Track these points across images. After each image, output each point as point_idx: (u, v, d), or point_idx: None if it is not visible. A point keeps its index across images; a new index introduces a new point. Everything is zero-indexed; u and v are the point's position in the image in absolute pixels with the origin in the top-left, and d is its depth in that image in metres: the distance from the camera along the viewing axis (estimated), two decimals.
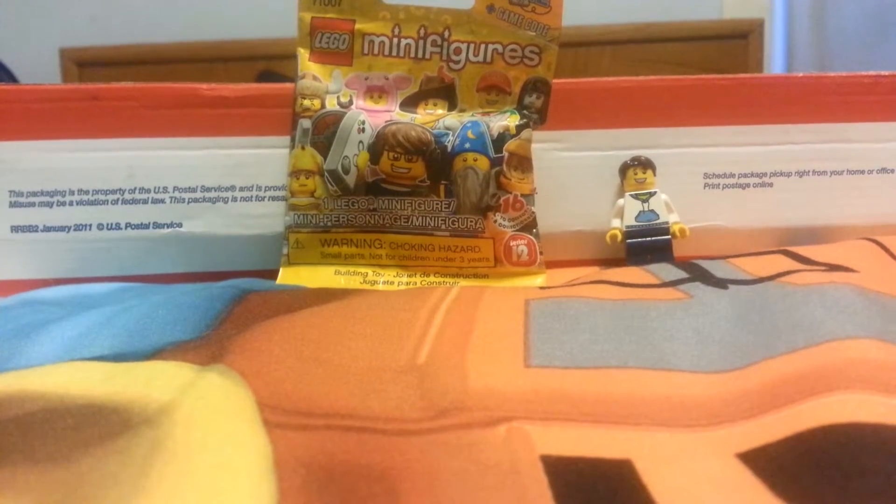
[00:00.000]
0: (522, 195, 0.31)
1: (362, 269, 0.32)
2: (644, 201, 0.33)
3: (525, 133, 0.31)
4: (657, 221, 0.33)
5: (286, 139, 0.33)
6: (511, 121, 0.31)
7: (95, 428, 0.17)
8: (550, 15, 0.30)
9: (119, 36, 1.25)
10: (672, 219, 0.33)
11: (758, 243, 0.34)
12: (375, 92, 0.31)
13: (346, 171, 0.30)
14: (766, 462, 0.15)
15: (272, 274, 0.33)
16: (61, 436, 0.16)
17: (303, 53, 0.32)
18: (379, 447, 0.16)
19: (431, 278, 0.32)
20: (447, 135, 0.30)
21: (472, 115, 0.31)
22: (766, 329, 0.20)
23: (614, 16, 1.05)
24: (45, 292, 0.30)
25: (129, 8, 1.29)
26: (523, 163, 0.31)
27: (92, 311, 0.26)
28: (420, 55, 0.31)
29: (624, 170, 0.33)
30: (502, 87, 0.31)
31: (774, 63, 1.35)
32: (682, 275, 0.27)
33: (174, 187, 0.32)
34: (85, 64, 1.26)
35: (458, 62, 0.31)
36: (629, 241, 0.33)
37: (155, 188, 0.32)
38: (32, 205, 0.32)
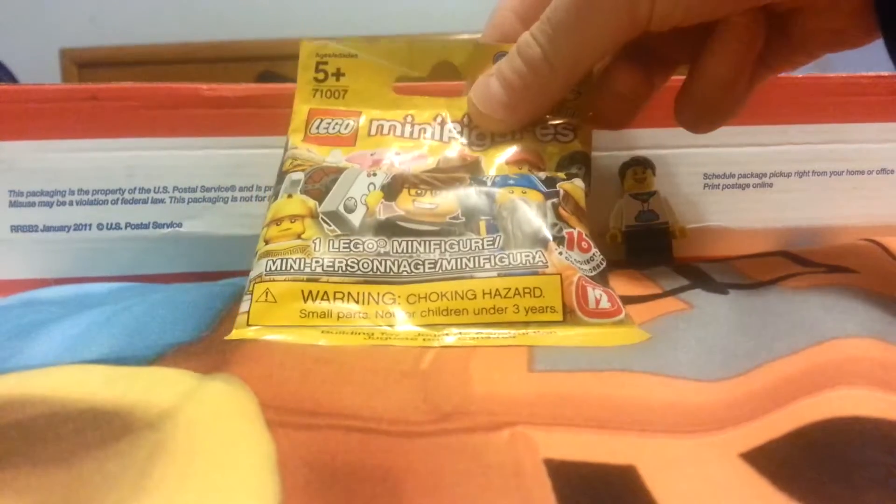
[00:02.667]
0: (588, 236, 0.24)
1: (366, 327, 0.22)
2: (644, 201, 0.33)
3: (577, 181, 0.26)
4: (657, 222, 0.33)
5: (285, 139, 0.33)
6: (559, 175, 0.26)
7: (97, 431, 0.17)
8: (582, 98, 0.27)
9: (119, 36, 1.25)
10: (672, 219, 0.33)
11: (758, 243, 0.34)
12: (384, 162, 0.26)
13: (350, 211, 0.23)
14: (769, 459, 0.15)
15: None
16: (63, 439, 0.16)
17: (295, 137, 0.27)
18: (382, 448, 0.16)
19: (469, 338, 0.22)
20: (484, 179, 0.25)
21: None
22: (768, 333, 0.20)
23: None
24: (45, 292, 0.30)
25: (129, 8, 1.29)
26: (579, 211, 0.25)
27: (92, 310, 0.26)
28: (437, 137, 0.27)
29: (623, 170, 0.33)
30: (535, 163, 0.26)
31: None
32: (683, 281, 0.27)
33: (174, 187, 0.32)
34: (85, 64, 1.26)
35: (481, 145, 0.26)
36: (629, 241, 0.33)
37: (155, 188, 0.32)
38: (32, 205, 0.32)
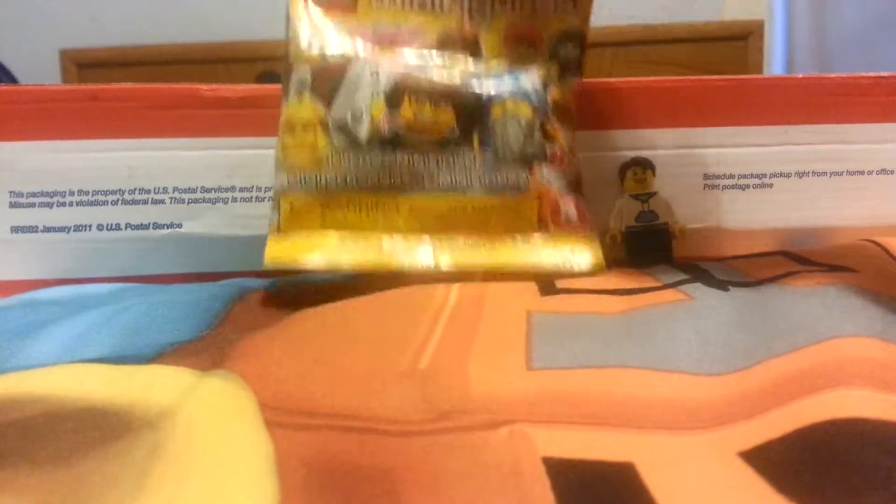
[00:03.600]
0: (570, 148, 0.27)
1: (375, 237, 0.26)
2: (644, 202, 0.33)
3: (568, 83, 0.27)
4: (657, 222, 0.33)
5: None
6: (552, 70, 0.27)
7: (96, 431, 0.17)
8: None
9: (119, 37, 1.25)
10: (671, 220, 0.33)
11: (758, 244, 0.34)
12: (385, 41, 0.26)
13: (357, 121, 0.25)
14: (767, 459, 0.15)
15: (270, 274, 0.33)
16: (62, 439, 0.16)
17: (294, 2, 0.27)
18: (381, 448, 0.16)
19: (461, 245, 0.26)
20: (479, 80, 0.26)
21: (501, 66, 0.27)
22: (768, 330, 0.20)
23: (614, 17, 1.05)
24: (45, 293, 0.30)
25: (129, 9, 1.29)
26: (566, 116, 0.27)
27: (92, 310, 0.26)
28: (436, 7, 0.26)
29: (623, 170, 0.33)
30: (533, 40, 0.27)
31: (774, 64, 1.35)
32: (683, 276, 0.27)
33: (174, 188, 0.32)
34: (85, 65, 1.26)
35: (480, 11, 0.26)
36: (629, 242, 0.33)
37: (155, 189, 0.32)
38: (32, 205, 0.32)
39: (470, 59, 0.26)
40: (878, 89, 0.34)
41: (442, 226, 0.26)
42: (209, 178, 0.32)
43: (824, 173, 0.34)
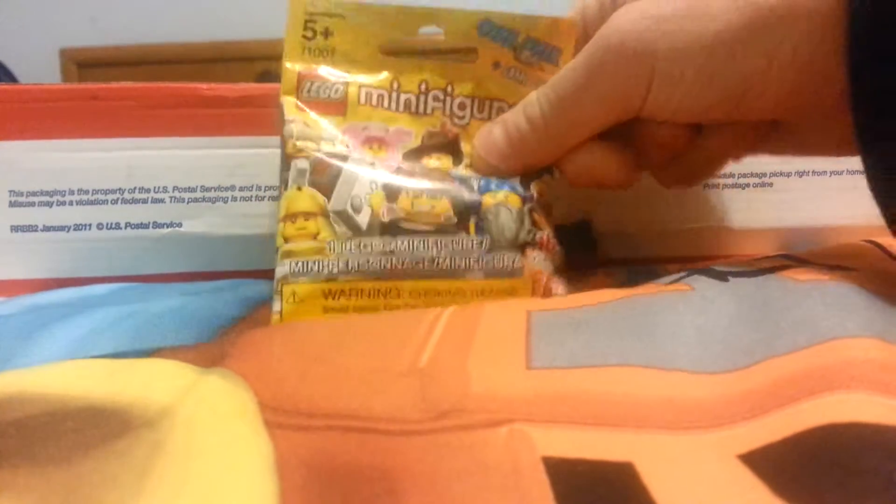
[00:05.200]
0: (552, 234, 0.28)
1: None
2: None
3: (546, 176, 0.29)
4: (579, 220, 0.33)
5: None
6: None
7: (96, 430, 0.17)
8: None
9: (119, 36, 1.25)
10: (596, 217, 0.33)
11: (758, 243, 0.34)
12: (375, 142, 0.28)
13: (357, 211, 0.27)
14: (766, 462, 0.15)
15: (270, 274, 0.33)
16: (62, 438, 0.16)
17: (288, 101, 0.28)
18: (380, 448, 0.16)
19: None
20: (468, 178, 0.28)
21: None
22: (768, 327, 0.20)
23: None
24: (46, 296, 0.30)
25: (129, 8, 1.29)
26: (547, 207, 0.29)
27: (94, 312, 0.26)
28: (421, 110, 0.29)
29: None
30: None
31: None
32: (681, 273, 0.27)
33: (174, 187, 0.32)
34: (85, 64, 1.26)
35: (462, 117, 0.29)
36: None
37: (154, 188, 0.32)
38: (32, 205, 0.32)
39: (451, 159, 0.29)
40: None
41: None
42: (209, 177, 0.32)
43: (824, 173, 0.34)
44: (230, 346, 0.21)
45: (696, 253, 0.34)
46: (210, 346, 0.21)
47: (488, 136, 0.28)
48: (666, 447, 0.16)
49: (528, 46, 0.29)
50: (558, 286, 0.28)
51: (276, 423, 0.17)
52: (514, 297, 0.27)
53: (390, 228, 0.26)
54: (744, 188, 0.34)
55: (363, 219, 0.27)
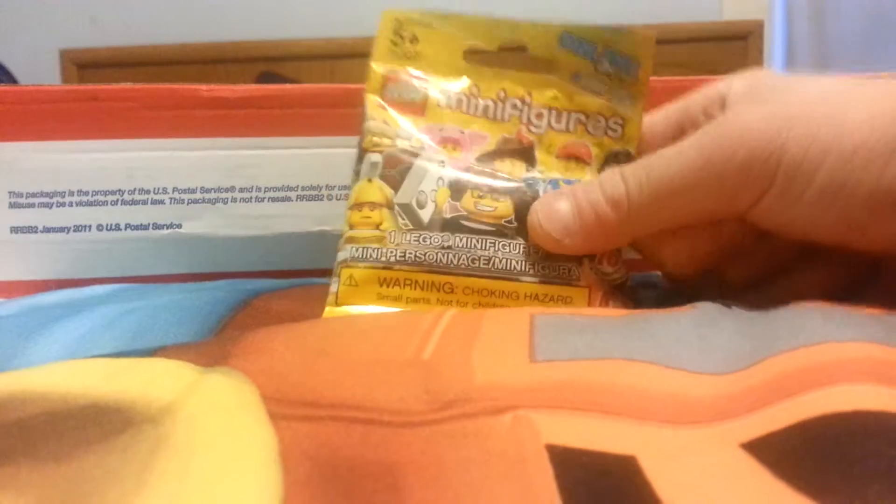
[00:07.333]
0: (618, 251, 0.28)
1: None
2: None
3: None
4: None
5: (286, 140, 0.33)
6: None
7: (98, 428, 0.17)
8: (638, 85, 0.28)
9: (119, 37, 1.25)
10: None
11: None
12: (449, 143, 0.29)
13: (422, 206, 0.27)
14: (769, 449, 0.15)
15: (270, 274, 0.33)
16: (64, 436, 0.16)
17: (371, 99, 0.29)
18: (384, 440, 0.16)
19: None
20: (536, 182, 0.28)
21: (554, 175, 0.29)
22: (768, 335, 0.20)
23: (615, 18, 1.05)
24: (46, 297, 0.30)
25: (129, 9, 1.29)
26: None
27: (94, 311, 0.26)
28: (498, 117, 0.29)
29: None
30: (583, 159, 0.29)
31: (774, 63, 1.35)
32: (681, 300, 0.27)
33: (174, 188, 0.32)
34: (85, 65, 1.26)
35: (538, 126, 0.29)
36: None
37: (154, 189, 0.32)
38: (32, 206, 0.32)
39: (524, 165, 0.29)
40: None
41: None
42: (209, 178, 0.33)
43: None
44: (232, 345, 0.21)
45: None
46: (211, 345, 0.22)
47: (551, 207, 0.26)
48: (669, 441, 0.16)
49: (608, 58, 0.29)
50: (617, 303, 0.27)
51: (279, 413, 0.17)
52: (569, 306, 0.27)
53: (450, 225, 0.27)
54: None
55: (426, 213, 0.27)
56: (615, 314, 0.23)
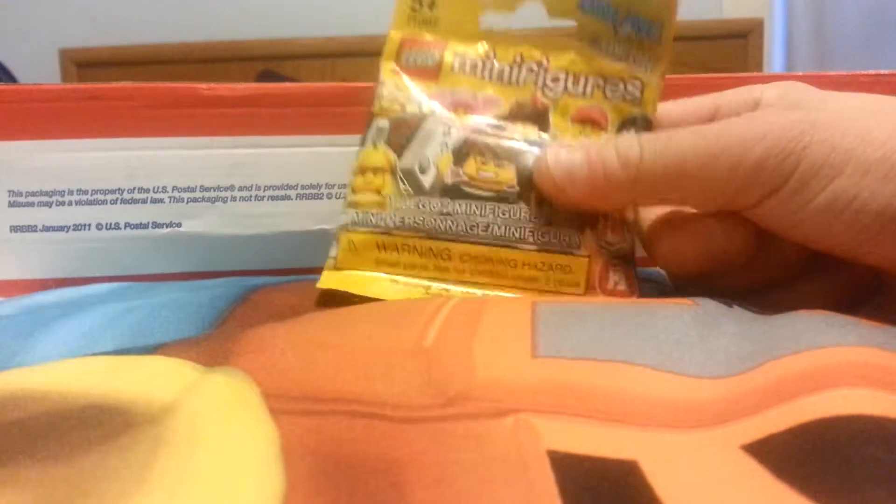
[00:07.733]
0: (624, 219, 0.27)
1: (424, 282, 0.27)
2: None
3: None
4: None
5: (286, 139, 0.33)
6: None
7: (98, 428, 0.17)
8: (660, 49, 0.27)
9: (118, 36, 1.25)
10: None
11: None
12: (461, 107, 0.28)
13: (423, 171, 0.27)
14: (769, 451, 0.15)
15: (270, 273, 0.33)
16: (64, 436, 0.16)
17: (386, 65, 0.29)
18: (386, 436, 0.16)
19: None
20: (545, 144, 0.27)
21: (565, 139, 0.28)
22: (769, 339, 0.20)
23: None
24: (46, 296, 0.30)
25: (129, 8, 1.29)
26: None
27: (95, 310, 0.26)
28: (513, 80, 0.28)
29: None
30: (598, 122, 0.28)
31: (774, 62, 1.35)
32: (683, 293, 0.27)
33: (173, 187, 0.32)
34: (84, 64, 1.26)
35: (554, 90, 0.28)
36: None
37: (154, 188, 0.32)
38: (31, 205, 0.32)
39: (537, 129, 0.28)
40: (877, 87, 0.34)
41: (490, 277, 0.27)
42: (208, 177, 0.33)
43: None
44: (233, 343, 0.21)
45: None
46: (212, 342, 0.22)
47: (561, 152, 0.26)
48: (670, 445, 0.16)
49: (629, 22, 0.28)
50: (619, 273, 0.27)
51: (281, 409, 0.17)
52: (567, 274, 0.26)
53: (450, 191, 0.27)
54: None
55: (427, 179, 0.27)
56: (618, 303, 0.23)
